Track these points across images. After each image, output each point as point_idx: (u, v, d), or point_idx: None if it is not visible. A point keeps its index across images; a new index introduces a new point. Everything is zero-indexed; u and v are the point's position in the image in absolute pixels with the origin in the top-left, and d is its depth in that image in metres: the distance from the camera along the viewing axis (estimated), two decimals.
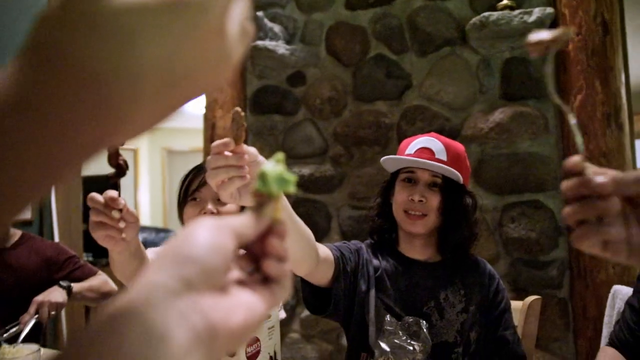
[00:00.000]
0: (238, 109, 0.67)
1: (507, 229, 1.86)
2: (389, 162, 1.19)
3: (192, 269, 0.27)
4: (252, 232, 0.34)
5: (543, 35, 0.49)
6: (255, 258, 0.37)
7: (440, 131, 1.93)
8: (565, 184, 0.48)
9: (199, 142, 7.36)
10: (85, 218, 2.83)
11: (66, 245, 1.85)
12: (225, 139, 0.67)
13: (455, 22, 1.98)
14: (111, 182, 0.51)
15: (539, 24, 1.78)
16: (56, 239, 2.46)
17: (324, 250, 1.06)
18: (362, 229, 2.06)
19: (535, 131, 1.85)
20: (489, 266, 1.21)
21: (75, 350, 0.23)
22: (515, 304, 1.26)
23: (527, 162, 1.85)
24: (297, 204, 2.15)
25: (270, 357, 0.99)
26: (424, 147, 1.15)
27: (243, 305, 0.31)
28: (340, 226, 2.11)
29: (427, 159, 1.12)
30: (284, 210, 0.81)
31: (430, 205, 1.11)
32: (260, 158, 0.71)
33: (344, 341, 2.04)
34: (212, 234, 0.30)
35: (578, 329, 1.77)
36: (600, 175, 0.45)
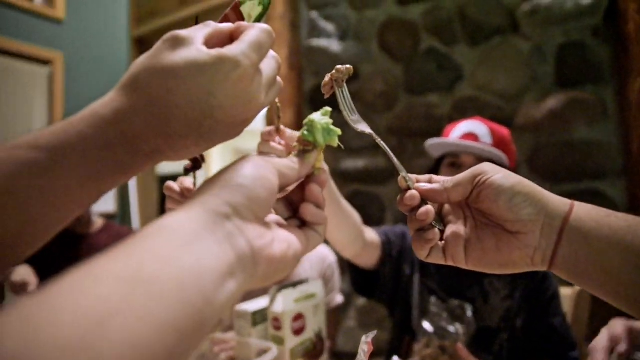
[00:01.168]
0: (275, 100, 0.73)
1: None
2: (434, 147, 1.19)
3: (240, 196, 0.29)
4: (295, 174, 0.35)
5: (325, 77, 0.50)
6: (293, 205, 0.38)
7: (492, 121, 1.94)
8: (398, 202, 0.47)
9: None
10: (161, 214, 3.09)
11: None
12: (270, 127, 0.74)
13: (505, 10, 1.96)
14: (186, 174, 0.58)
15: (594, 6, 1.73)
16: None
17: (371, 235, 1.09)
18: None
19: (592, 117, 1.79)
20: None
21: (122, 248, 0.23)
22: (566, 291, 1.23)
23: (585, 150, 1.80)
24: (352, 196, 2.24)
25: (316, 334, 1.04)
26: (469, 131, 1.14)
27: (284, 239, 0.32)
28: (395, 217, 2.17)
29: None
30: (332, 192, 0.84)
31: None
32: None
33: None
34: (259, 168, 0.32)
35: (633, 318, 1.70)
36: (411, 190, 0.45)
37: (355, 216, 0.97)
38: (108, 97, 0.34)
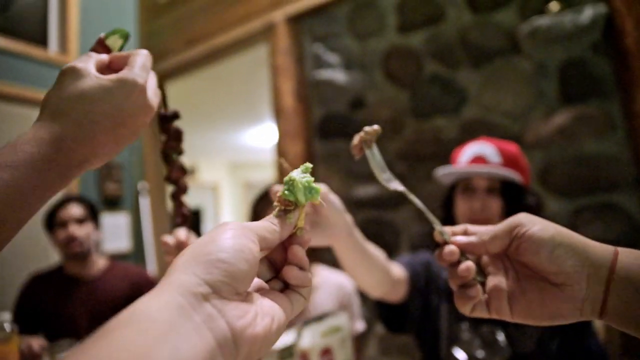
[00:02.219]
0: (281, 160, 0.69)
1: (582, 232, 1.81)
2: (445, 175, 1.19)
3: (219, 273, 0.27)
4: (276, 237, 0.34)
5: (354, 140, 0.51)
6: (275, 265, 0.37)
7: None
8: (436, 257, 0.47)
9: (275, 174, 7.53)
10: None
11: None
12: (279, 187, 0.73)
13: (505, 32, 2.01)
14: (176, 226, 0.61)
15: (593, 24, 1.77)
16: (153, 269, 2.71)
17: (397, 270, 1.08)
18: (433, 242, 2.09)
19: (600, 131, 1.81)
20: None
21: (93, 343, 0.22)
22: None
23: (596, 163, 1.81)
24: (366, 223, 2.25)
25: None
26: (476, 154, 1.14)
27: (267, 313, 0.30)
28: (411, 241, 2.17)
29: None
30: (355, 240, 0.83)
31: (492, 211, 1.09)
32: (331, 196, 0.73)
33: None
34: (238, 238, 0.30)
35: None
36: (454, 246, 0.44)
37: (381, 257, 0.96)
38: (36, 126, 0.41)
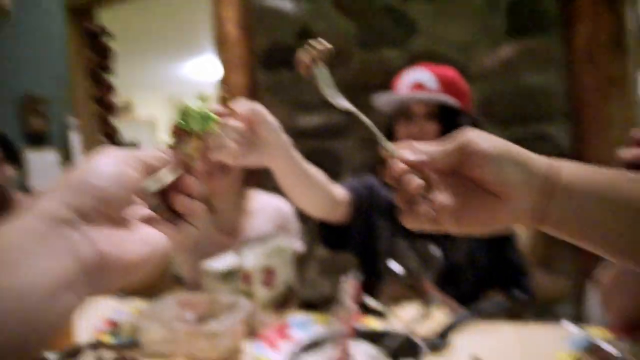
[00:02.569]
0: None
1: None
2: (384, 103, 1.21)
3: (88, 198, 0.27)
4: (163, 163, 0.33)
5: (301, 55, 0.48)
6: (165, 193, 0.36)
7: None
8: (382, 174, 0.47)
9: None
10: None
11: None
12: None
13: None
14: None
15: None
16: None
17: (339, 192, 1.10)
18: (376, 172, 2.13)
19: (540, 65, 1.86)
20: None
21: None
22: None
23: (533, 96, 1.88)
24: (309, 153, 2.22)
25: (286, 286, 1.05)
26: (414, 81, 1.16)
27: (142, 239, 0.30)
28: (355, 172, 2.19)
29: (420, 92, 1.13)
30: (293, 160, 0.83)
31: (429, 134, 1.13)
32: (267, 116, 0.71)
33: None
34: (116, 164, 0.29)
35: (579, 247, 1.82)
36: (400, 162, 0.44)
37: (321, 177, 0.97)
38: None
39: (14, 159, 1.65)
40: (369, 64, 2.14)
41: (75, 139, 3.01)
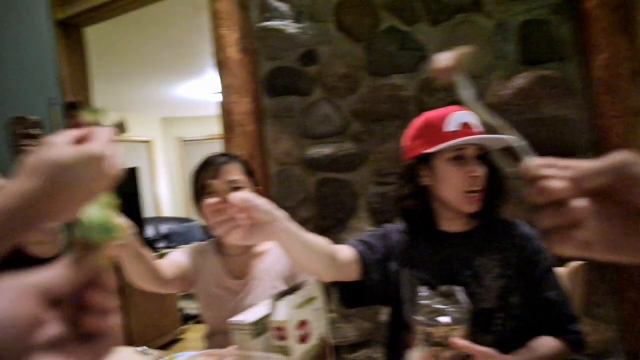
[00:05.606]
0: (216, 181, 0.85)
1: None
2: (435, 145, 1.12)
3: None
4: (68, 286, 0.31)
5: (445, 62, 0.48)
6: (77, 310, 0.33)
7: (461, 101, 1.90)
8: (528, 193, 0.45)
9: (213, 129, 7.31)
10: None
11: None
12: (214, 200, 0.91)
13: None
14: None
15: None
16: None
17: (347, 252, 1.09)
18: (391, 204, 2.04)
19: (558, 95, 1.79)
20: (524, 227, 1.18)
21: None
22: (559, 271, 1.22)
23: (553, 127, 1.81)
24: (322, 185, 2.14)
25: (321, 339, 1.01)
26: (464, 122, 1.11)
27: None
28: (368, 204, 2.10)
29: (472, 134, 1.09)
30: (292, 234, 0.89)
31: (483, 179, 1.11)
32: (257, 202, 0.83)
33: (383, 318, 2.05)
34: (7, 302, 0.27)
35: (622, 293, 1.74)
36: (557, 181, 0.43)
37: (323, 243, 0.99)
38: (20, 179, 0.49)
39: None
40: (378, 92, 2.06)
41: None
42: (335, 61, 2.12)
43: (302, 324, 0.95)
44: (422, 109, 1.94)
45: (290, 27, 2.09)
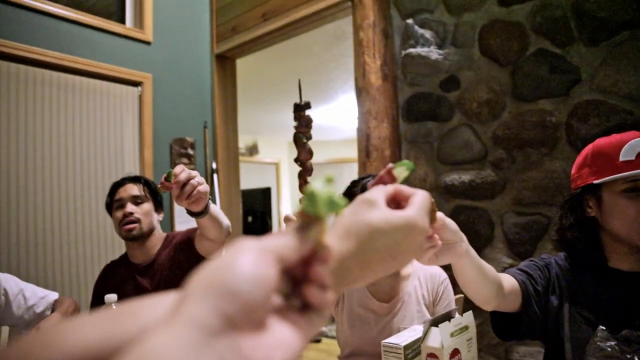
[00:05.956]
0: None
1: None
2: (605, 174, 1.06)
3: (234, 304, 0.25)
4: (295, 254, 0.32)
5: None
6: (294, 280, 0.34)
7: (621, 127, 1.73)
8: None
9: (336, 153, 7.53)
10: (244, 226, 3.08)
11: None
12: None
13: (634, 1, 1.76)
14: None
15: None
16: None
17: (509, 281, 1.06)
18: (531, 236, 1.92)
19: None
20: None
21: None
22: None
23: None
24: (459, 212, 2.09)
25: None
26: None
27: (282, 344, 0.28)
28: (505, 234, 2.00)
29: None
30: (471, 258, 0.87)
31: None
32: (447, 220, 0.80)
33: (514, 356, 1.92)
34: (255, 262, 0.28)
35: None
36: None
37: (492, 271, 0.96)
38: (334, 238, 0.46)
39: (158, 202, 1.75)
40: (523, 117, 1.97)
41: (216, 181, 3.20)
42: (477, 86, 2.08)
43: (455, 352, 0.94)
44: (572, 135, 1.83)
45: (433, 53, 2.11)
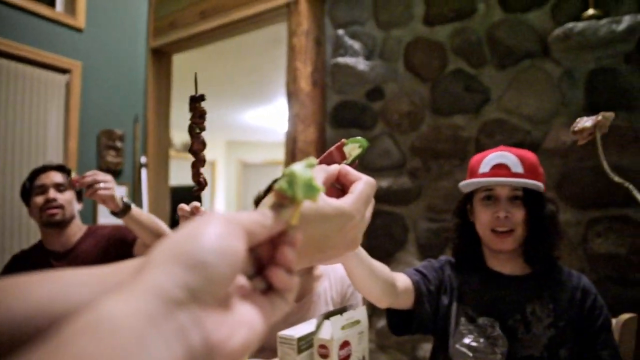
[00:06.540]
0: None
1: (593, 244, 1.80)
2: (468, 185, 1.19)
3: (199, 277, 0.24)
4: (265, 232, 0.31)
5: (586, 122, 0.49)
6: (259, 261, 0.33)
7: (521, 144, 1.92)
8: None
9: (271, 155, 7.53)
10: (172, 222, 3.06)
11: None
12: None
13: (536, 34, 1.96)
14: (194, 194, 0.67)
15: (629, 33, 1.73)
16: None
17: (403, 280, 1.13)
18: (440, 241, 2.07)
19: (623, 144, 1.78)
20: (584, 280, 1.15)
21: (46, 354, 0.20)
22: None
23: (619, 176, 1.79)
24: (376, 216, 2.21)
25: None
26: (499, 162, 1.14)
27: (245, 323, 0.28)
28: (417, 238, 2.14)
29: (504, 176, 1.12)
30: (361, 258, 0.90)
31: (516, 219, 1.12)
32: None
33: (420, 352, 2.06)
34: (223, 235, 0.27)
35: None
36: None
37: (385, 270, 1.01)
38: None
39: (79, 192, 1.74)
40: (439, 130, 2.13)
41: (144, 175, 3.15)
42: (400, 98, 2.21)
43: (345, 344, 0.98)
44: (480, 149, 2.00)
45: (360, 64, 2.22)
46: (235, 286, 0.29)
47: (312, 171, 0.34)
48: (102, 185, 1.38)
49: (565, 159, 1.88)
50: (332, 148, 0.50)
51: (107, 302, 0.22)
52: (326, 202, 0.40)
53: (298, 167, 0.33)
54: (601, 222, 1.79)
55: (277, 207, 0.33)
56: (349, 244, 0.43)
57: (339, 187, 0.45)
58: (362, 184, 0.43)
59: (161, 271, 0.24)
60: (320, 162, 0.47)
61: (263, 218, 0.31)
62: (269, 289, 0.32)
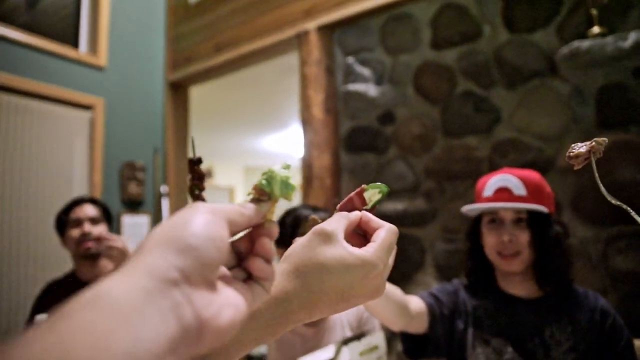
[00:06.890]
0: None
1: (614, 262, 1.78)
2: (471, 210, 1.21)
3: (191, 260, 0.26)
4: (245, 221, 0.33)
5: (580, 148, 0.51)
6: (239, 253, 0.36)
7: (533, 163, 1.93)
8: None
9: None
10: None
11: None
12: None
13: (543, 53, 1.99)
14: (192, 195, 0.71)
15: (636, 48, 1.74)
16: None
17: (417, 303, 1.13)
18: (457, 262, 2.07)
19: (638, 159, 1.77)
20: (602, 301, 1.13)
21: (51, 324, 0.21)
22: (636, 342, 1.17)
23: (631, 192, 1.78)
24: None
25: None
26: (501, 187, 1.15)
27: (231, 304, 0.30)
28: (435, 259, 2.14)
29: (507, 199, 1.13)
30: None
31: (521, 242, 1.12)
32: None
33: None
34: (210, 222, 0.29)
35: None
36: None
37: (398, 294, 1.01)
38: (280, 275, 0.43)
39: (110, 224, 1.82)
40: (452, 152, 2.15)
41: (165, 205, 3.22)
42: (411, 122, 2.25)
43: None
44: (494, 169, 2.01)
45: (371, 89, 2.27)
46: (219, 274, 0.31)
47: (289, 172, 0.38)
48: (114, 243, 1.56)
49: (580, 176, 1.87)
50: (352, 194, 0.51)
51: (106, 281, 0.24)
52: (349, 251, 0.42)
53: (277, 167, 0.37)
54: (622, 239, 1.77)
55: (257, 201, 0.36)
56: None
57: (360, 233, 0.46)
58: (385, 231, 0.45)
59: (155, 254, 0.26)
60: (341, 208, 0.49)
61: (243, 209, 0.34)
62: (249, 279, 0.35)
